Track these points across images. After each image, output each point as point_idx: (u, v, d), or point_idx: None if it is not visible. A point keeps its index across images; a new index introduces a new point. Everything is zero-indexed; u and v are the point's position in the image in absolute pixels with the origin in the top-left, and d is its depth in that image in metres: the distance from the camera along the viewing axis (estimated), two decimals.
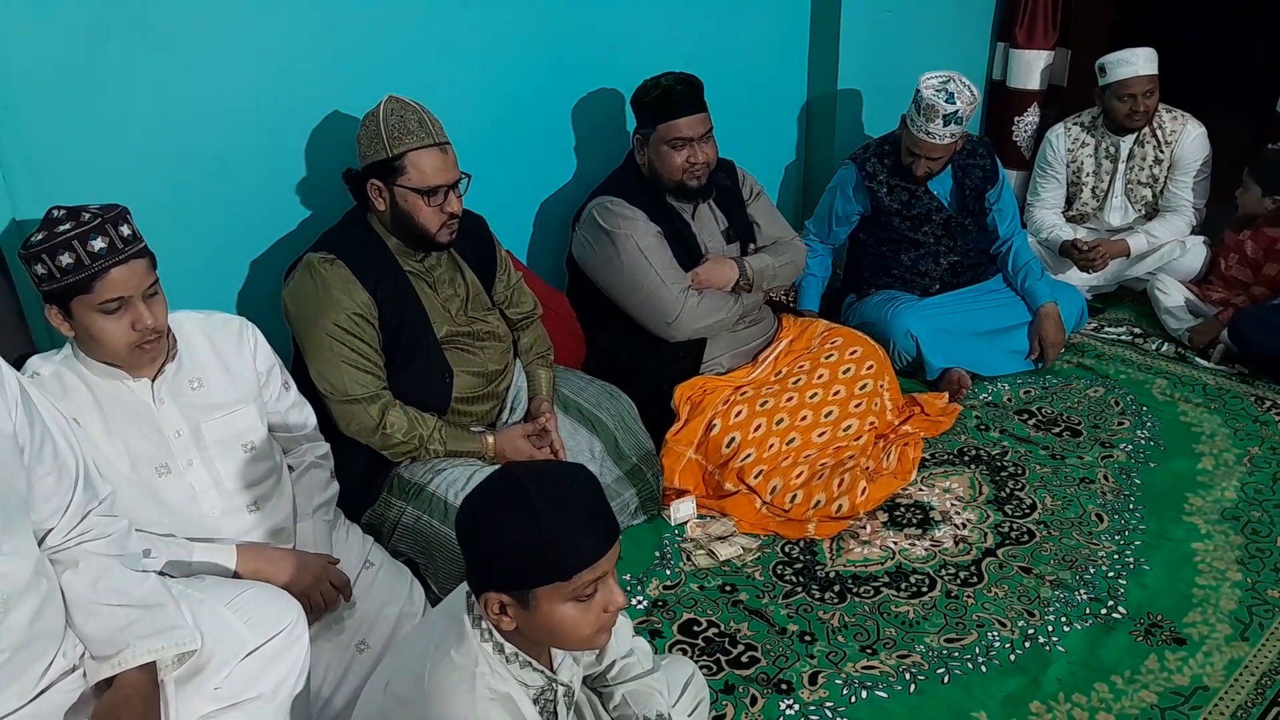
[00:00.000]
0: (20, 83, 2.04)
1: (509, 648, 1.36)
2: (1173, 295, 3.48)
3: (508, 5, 2.76)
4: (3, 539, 1.39)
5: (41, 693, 1.47)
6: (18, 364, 1.72)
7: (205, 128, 2.31)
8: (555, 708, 1.43)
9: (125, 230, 1.69)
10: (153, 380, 1.81)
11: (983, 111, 4.18)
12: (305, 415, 2.11)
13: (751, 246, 2.91)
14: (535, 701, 1.39)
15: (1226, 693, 2.05)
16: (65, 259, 1.63)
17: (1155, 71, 3.41)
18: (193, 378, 1.86)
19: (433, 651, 1.36)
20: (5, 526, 1.40)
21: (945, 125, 2.99)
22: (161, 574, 1.68)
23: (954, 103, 2.96)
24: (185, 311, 1.91)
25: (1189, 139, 3.50)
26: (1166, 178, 3.57)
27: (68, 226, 1.64)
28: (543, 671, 1.40)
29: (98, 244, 1.64)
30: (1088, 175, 3.66)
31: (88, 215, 1.66)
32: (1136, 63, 3.39)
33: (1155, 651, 2.16)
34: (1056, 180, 3.70)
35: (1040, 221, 3.70)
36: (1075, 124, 3.65)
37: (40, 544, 1.50)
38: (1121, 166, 3.60)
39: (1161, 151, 3.53)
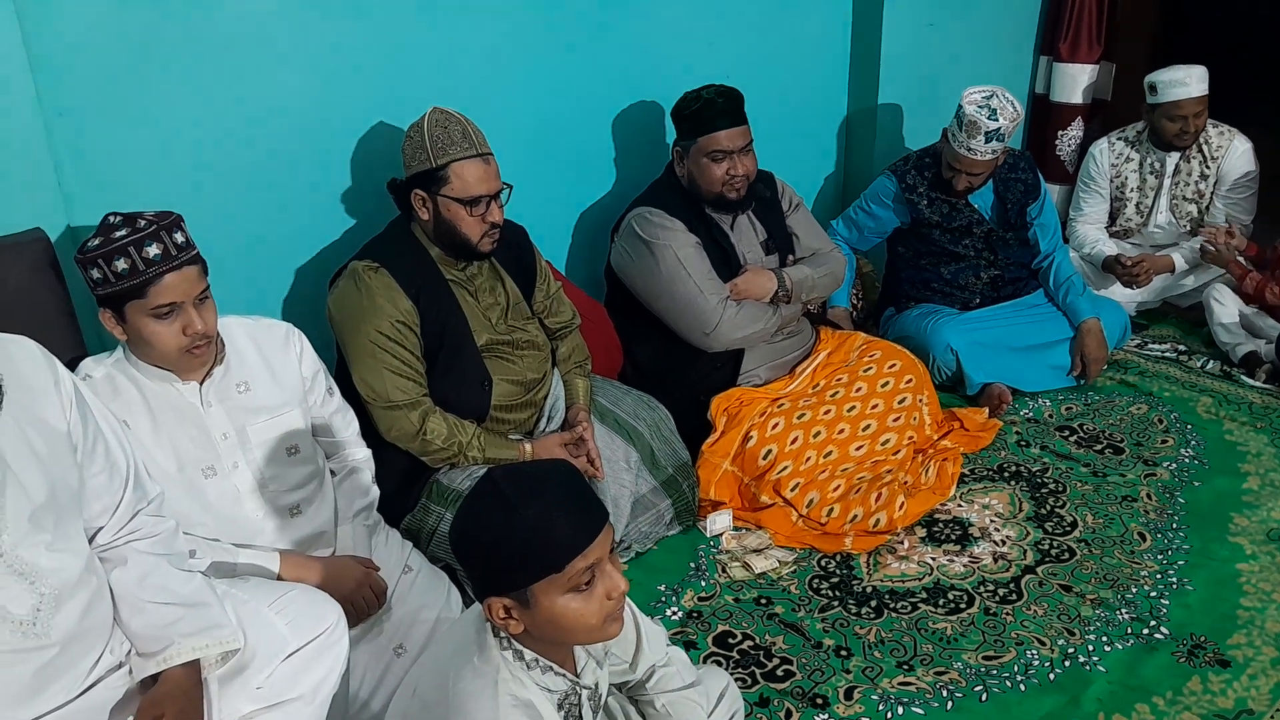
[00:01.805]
0: (75, 90, 2.10)
1: (529, 654, 1.36)
2: (1228, 308, 3.41)
3: (550, 19, 2.79)
4: (55, 535, 1.42)
5: (89, 688, 1.49)
6: (70, 366, 1.76)
7: (254, 136, 2.36)
8: (580, 712, 1.43)
9: (179, 237, 1.73)
10: (201, 383, 1.84)
11: (1025, 125, 4.14)
12: (348, 420, 2.14)
13: (790, 258, 2.91)
14: (560, 706, 1.39)
15: (1272, 717, 2.01)
16: (121, 264, 1.67)
17: (1206, 91, 3.37)
18: (240, 381, 1.89)
19: (455, 658, 1.37)
20: (58, 523, 1.43)
21: (987, 142, 2.98)
22: (205, 575, 1.71)
23: (996, 119, 2.94)
24: (233, 316, 1.95)
25: (1235, 154, 3.45)
26: (1212, 193, 3.52)
27: (124, 233, 1.68)
28: (565, 675, 1.40)
29: (153, 250, 1.68)
30: (1132, 190, 3.62)
31: (143, 222, 1.70)
32: (1190, 84, 3.34)
33: (1198, 673, 2.12)
34: (1100, 195, 3.66)
35: (1082, 236, 3.66)
36: (1119, 139, 3.62)
37: (90, 542, 1.54)
38: (1166, 182, 3.55)
39: (1207, 167, 3.49)
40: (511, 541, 1.27)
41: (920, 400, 2.88)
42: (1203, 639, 2.22)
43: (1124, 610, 2.31)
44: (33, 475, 1.40)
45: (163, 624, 1.54)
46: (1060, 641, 2.23)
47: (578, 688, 1.42)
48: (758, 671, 2.18)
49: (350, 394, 2.21)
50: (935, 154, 3.21)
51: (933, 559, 2.51)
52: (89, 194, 2.15)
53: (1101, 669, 2.15)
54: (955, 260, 3.26)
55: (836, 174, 3.80)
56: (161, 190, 2.21)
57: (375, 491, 2.16)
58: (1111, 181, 3.63)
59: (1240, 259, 3.38)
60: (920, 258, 3.30)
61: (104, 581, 1.53)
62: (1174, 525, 2.60)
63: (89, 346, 2.05)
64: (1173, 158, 3.52)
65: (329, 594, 1.82)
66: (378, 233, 2.38)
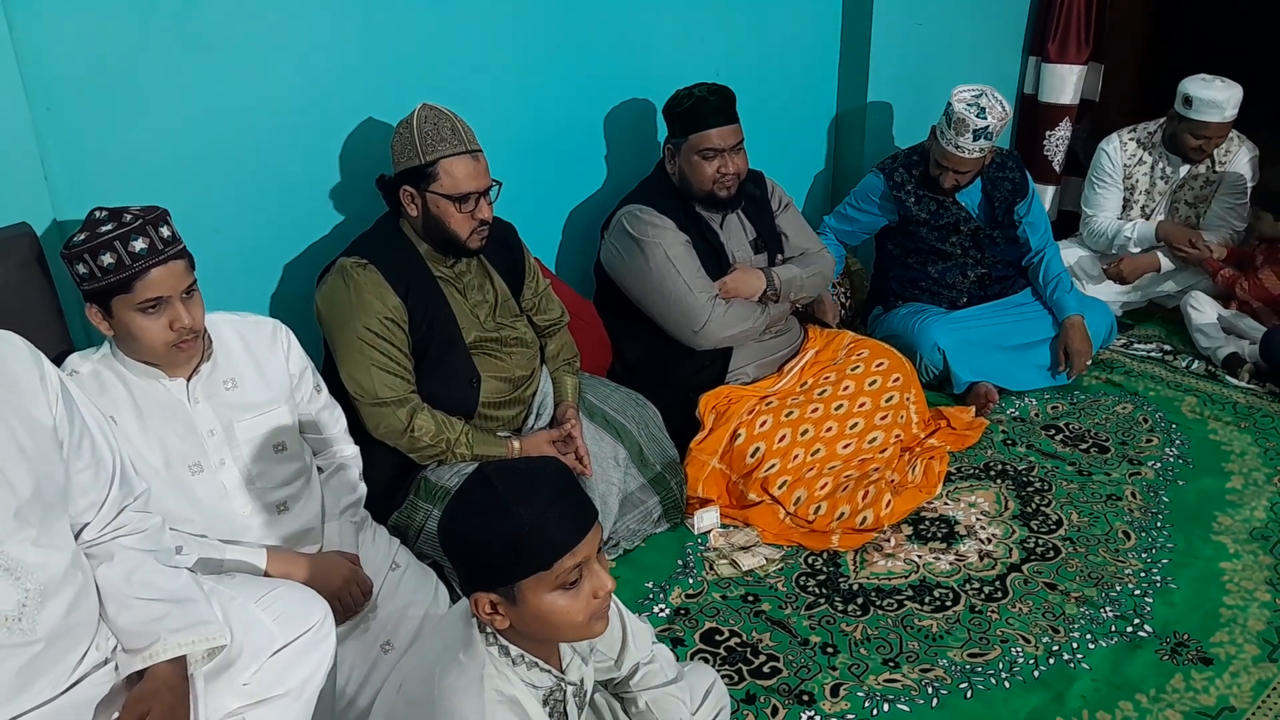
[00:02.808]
0: (63, 85, 2.09)
1: (514, 650, 1.37)
2: (1205, 313, 3.44)
3: (541, 16, 2.78)
4: (41, 531, 1.42)
5: (74, 684, 1.49)
6: (57, 361, 1.75)
7: (242, 132, 2.35)
8: (565, 708, 1.44)
9: (165, 231, 1.72)
10: (188, 380, 1.84)
11: (1014, 125, 4.15)
12: (335, 417, 2.14)
13: (779, 257, 2.92)
14: (545, 702, 1.40)
15: (1253, 714, 2.03)
16: (107, 259, 1.67)
17: (1235, 115, 3.33)
18: (227, 378, 1.89)
19: (442, 654, 1.38)
20: (43, 519, 1.43)
21: (975, 140, 2.99)
22: (192, 572, 1.71)
23: (985, 118, 2.95)
24: (221, 313, 1.94)
25: (1241, 161, 3.46)
26: (1213, 197, 3.53)
27: (110, 227, 1.68)
28: (550, 671, 1.41)
29: (138, 245, 1.68)
30: (1140, 193, 3.60)
31: (129, 216, 1.69)
32: (1226, 109, 3.29)
33: (1181, 671, 2.14)
34: (1116, 189, 3.60)
35: (1107, 227, 3.60)
36: (1131, 139, 3.56)
37: (76, 538, 1.53)
38: (1171, 187, 3.55)
39: (1214, 172, 3.49)
40: (502, 538, 1.27)
41: (907, 399, 2.89)
42: (1186, 637, 2.23)
43: (1108, 608, 2.32)
44: (18, 470, 1.40)
45: (149, 620, 1.54)
46: (1045, 639, 2.24)
47: (563, 684, 1.43)
48: (744, 668, 2.19)
49: (338, 391, 2.21)
50: (923, 152, 3.22)
51: (919, 557, 2.52)
52: (76, 189, 2.14)
53: (1086, 666, 2.17)
54: (943, 259, 3.27)
55: (825, 173, 3.81)
56: (149, 186, 2.20)
57: (363, 488, 2.16)
58: (1123, 181, 3.61)
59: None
60: (908, 256, 3.31)
61: (90, 577, 1.53)
62: (1158, 524, 2.62)
63: (76, 342, 2.05)
64: (1186, 165, 3.51)
65: (316, 590, 1.82)
66: (366, 229, 2.38)
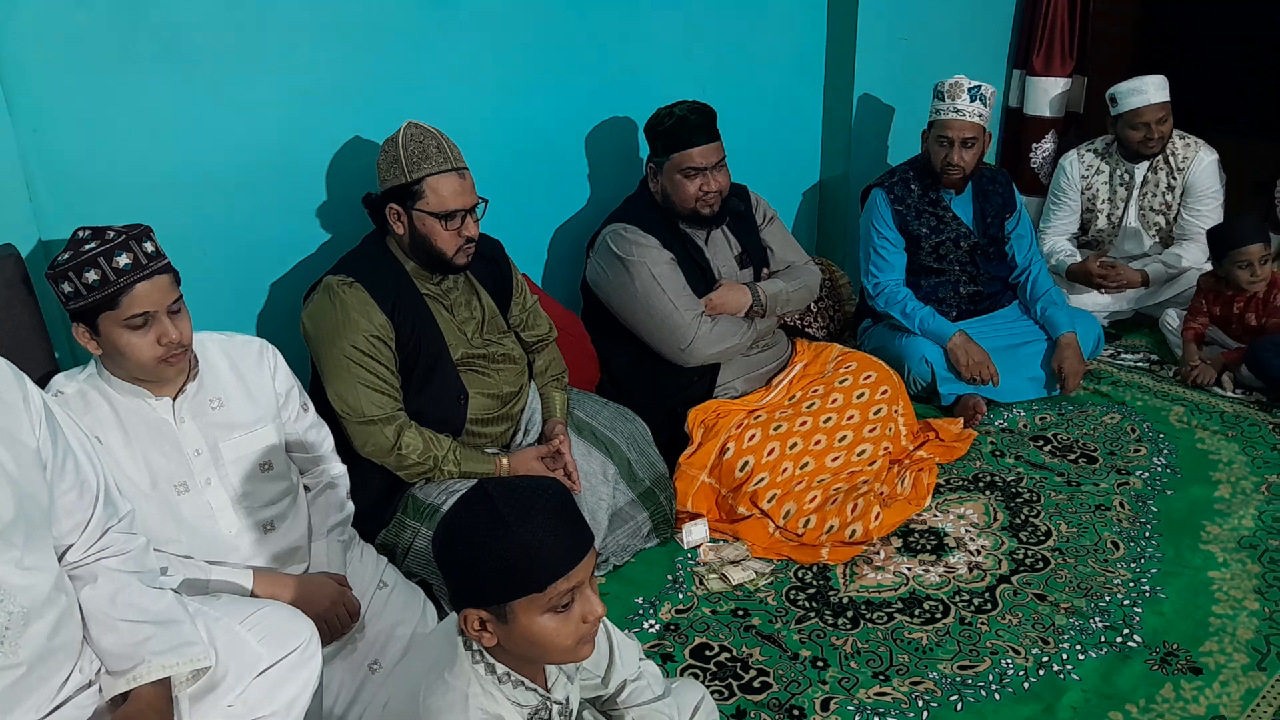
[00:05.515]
0: (49, 106, 2.09)
1: (500, 668, 1.36)
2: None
3: (525, 34, 2.80)
4: (24, 553, 1.41)
5: (58, 708, 1.48)
6: (42, 382, 1.75)
7: (228, 152, 2.36)
8: None
9: (149, 247, 1.73)
10: (174, 399, 1.83)
11: (1000, 138, 4.19)
12: (322, 436, 2.13)
13: (765, 271, 2.93)
14: None
15: None
16: (91, 276, 1.67)
17: (1167, 98, 3.42)
18: (213, 397, 1.89)
19: (427, 672, 1.37)
20: (27, 541, 1.42)
21: (971, 101, 3.06)
22: (176, 593, 1.70)
23: (973, 80, 3.05)
24: (207, 332, 1.94)
25: (1201, 166, 3.49)
26: (1179, 204, 3.56)
27: (93, 245, 1.68)
28: (536, 690, 1.40)
29: (122, 260, 1.68)
30: (1102, 202, 3.65)
31: (112, 234, 1.70)
32: (1147, 91, 3.40)
33: (1171, 680, 2.14)
34: (1070, 207, 3.70)
35: (1050, 247, 3.69)
36: (1089, 151, 3.66)
37: (60, 560, 1.53)
38: (1135, 193, 3.59)
39: (1174, 178, 3.53)
40: (498, 556, 1.27)
41: (896, 411, 2.89)
42: (1175, 646, 2.23)
43: (1098, 619, 2.32)
44: (1, 492, 1.39)
45: (133, 642, 1.53)
46: (1035, 650, 2.24)
47: (549, 703, 1.42)
48: (735, 683, 2.18)
49: (325, 409, 2.21)
50: (917, 165, 3.24)
51: (908, 569, 2.52)
52: (61, 210, 2.14)
53: (1075, 677, 2.16)
54: (936, 275, 3.28)
55: (812, 186, 3.83)
56: (135, 206, 2.20)
57: (350, 507, 2.15)
58: (1082, 194, 3.67)
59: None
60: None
61: (73, 600, 1.52)
62: (1147, 534, 2.62)
63: (61, 363, 2.05)
64: (1141, 168, 3.56)
65: (302, 611, 1.81)
66: (353, 247, 2.38)
